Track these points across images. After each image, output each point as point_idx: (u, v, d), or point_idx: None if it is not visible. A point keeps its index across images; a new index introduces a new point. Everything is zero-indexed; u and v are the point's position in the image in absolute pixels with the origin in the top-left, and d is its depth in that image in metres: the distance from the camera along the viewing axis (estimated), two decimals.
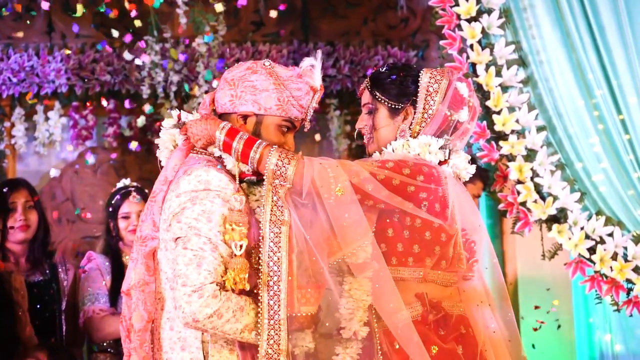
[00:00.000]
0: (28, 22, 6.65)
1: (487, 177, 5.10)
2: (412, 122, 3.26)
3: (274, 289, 2.97)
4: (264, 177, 3.07)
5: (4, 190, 4.79)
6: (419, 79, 3.30)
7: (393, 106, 3.30)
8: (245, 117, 3.17)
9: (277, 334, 2.96)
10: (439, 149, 3.22)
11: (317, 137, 7.06)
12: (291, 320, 2.99)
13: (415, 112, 3.26)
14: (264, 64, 3.20)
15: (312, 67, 3.21)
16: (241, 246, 2.98)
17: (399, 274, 3.12)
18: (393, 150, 3.24)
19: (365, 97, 3.39)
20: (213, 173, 3.02)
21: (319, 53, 3.23)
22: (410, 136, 3.26)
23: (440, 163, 3.22)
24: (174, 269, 2.99)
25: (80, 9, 5.75)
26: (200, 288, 2.89)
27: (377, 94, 3.33)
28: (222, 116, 3.22)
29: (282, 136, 3.20)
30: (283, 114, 3.16)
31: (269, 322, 2.96)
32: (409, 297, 3.13)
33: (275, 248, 2.98)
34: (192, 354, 3.06)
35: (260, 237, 3.01)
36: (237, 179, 3.08)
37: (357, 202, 3.01)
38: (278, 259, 2.98)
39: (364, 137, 3.39)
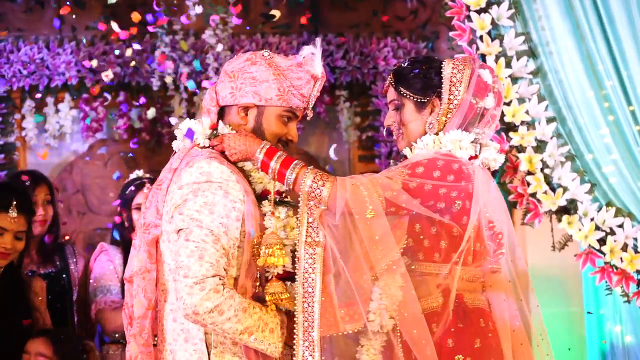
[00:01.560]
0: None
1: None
2: (438, 114, 3.27)
3: (308, 311, 3.01)
4: (284, 198, 3.15)
5: (27, 184, 4.79)
6: (442, 70, 3.31)
7: (419, 100, 3.32)
8: (246, 108, 3.19)
9: (311, 354, 3.00)
10: (470, 143, 3.22)
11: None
12: (337, 340, 3.07)
13: (441, 104, 3.27)
14: (263, 55, 3.21)
15: (313, 55, 3.23)
16: (277, 267, 3.04)
17: (425, 269, 3.15)
18: (424, 146, 3.23)
19: (391, 94, 3.41)
20: (215, 165, 3.03)
21: (318, 41, 3.27)
22: (437, 128, 3.26)
23: (471, 158, 3.23)
24: (176, 261, 3.00)
25: None
26: (202, 280, 2.90)
27: (402, 89, 3.34)
28: (224, 108, 3.24)
29: (284, 126, 3.22)
30: (284, 104, 3.18)
31: (303, 343, 3.00)
32: (431, 288, 3.15)
33: (310, 269, 3.03)
34: (195, 345, 3.07)
35: (296, 259, 3.04)
36: (273, 198, 3.12)
37: (387, 222, 3.03)
38: (312, 280, 3.02)
39: (393, 133, 3.40)
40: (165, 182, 3.14)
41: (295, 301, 3.02)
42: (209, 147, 3.18)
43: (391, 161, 3.49)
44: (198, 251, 2.94)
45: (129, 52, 6.43)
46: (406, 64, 3.40)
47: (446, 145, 3.21)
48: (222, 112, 3.27)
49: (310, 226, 3.05)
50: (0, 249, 4.10)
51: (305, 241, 3.04)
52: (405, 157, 3.32)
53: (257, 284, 3.09)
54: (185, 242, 2.97)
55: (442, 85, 3.28)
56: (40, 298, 4.41)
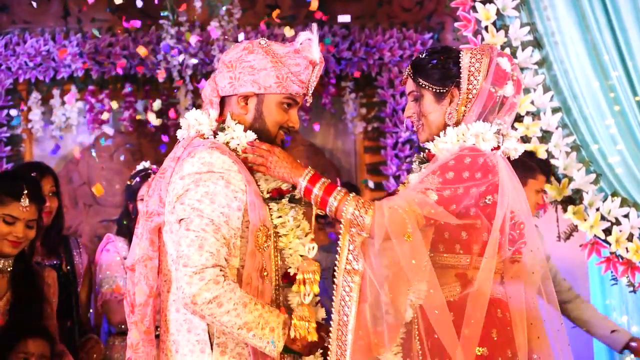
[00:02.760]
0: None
1: (549, 170, 5.02)
2: (458, 104, 3.27)
3: (342, 340, 3.03)
4: (295, 198, 3.18)
5: (33, 175, 4.79)
6: (460, 60, 3.29)
7: (438, 90, 3.30)
8: (246, 97, 3.19)
9: None
10: (493, 134, 3.22)
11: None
12: None
13: (460, 94, 3.26)
14: (260, 43, 3.21)
15: (310, 40, 3.21)
16: (309, 295, 3.03)
17: (445, 260, 3.15)
18: (449, 141, 3.23)
19: (409, 86, 3.39)
20: (216, 155, 3.03)
21: (315, 26, 3.24)
22: (457, 118, 3.26)
23: (493, 149, 3.22)
24: (177, 250, 3.01)
25: None
26: (201, 270, 2.91)
27: (421, 80, 3.33)
28: (224, 99, 3.24)
29: (284, 113, 3.22)
30: (283, 90, 3.18)
31: None
32: (449, 278, 3.14)
33: (347, 297, 3.04)
34: (198, 335, 3.07)
35: (334, 285, 3.06)
36: (314, 221, 3.15)
37: (423, 244, 3.03)
38: (348, 308, 3.04)
39: (414, 125, 3.39)
40: (169, 171, 3.15)
41: (330, 327, 3.04)
42: (246, 159, 3.17)
43: (415, 155, 3.46)
44: (198, 240, 2.95)
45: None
46: (424, 54, 3.38)
47: (470, 140, 3.20)
48: (222, 103, 3.27)
49: (351, 253, 3.06)
50: (12, 237, 4.10)
51: (345, 269, 3.05)
52: (429, 150, 3.30)
53: (265, 273, 3.09)
54: (186, 232, 2.97)
55: (461, 75, 3.27)
56: (52, 290, 4.41)
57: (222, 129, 3.19)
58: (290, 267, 3.16)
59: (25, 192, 4.10)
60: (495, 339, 3.13)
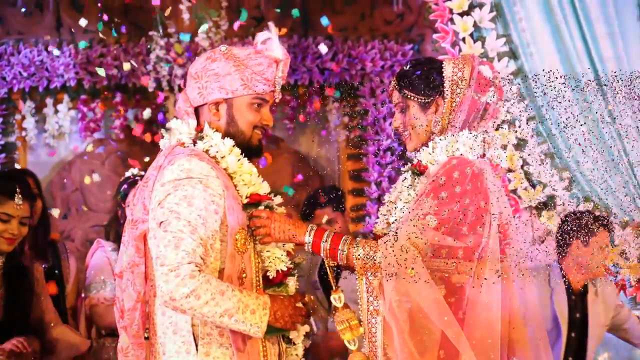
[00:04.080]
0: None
1: (608, 222, 4.91)
2: (442, 113, 3.32)
3: None
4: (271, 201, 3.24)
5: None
6: (443, 70, 3.34)
7: (423, 101, 3.34)
8: (216, 104, 3.25)
9: None
10: (480, 142, 3.30)
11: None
12: None
13: (444, 103, 3.32)
14: (221, 50, 3.26)
15: (270, 40, 3.27)
16: (354, 341, 3.12)
17: (432, 265, 3.15)
18: (440, 152, 3.30)
19: (395, 97, 3.43)
20: (195, 162, 3.09)
21: (272, 24, 3.30)
22: (442, 126, 3.33)
23: (479, 156, 3.29)
24: (156, 252, 3.07)
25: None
26: (177, 267, 2.95)
27: (406, 91, 3.37)
28: (196, 110, 3.31)
29: (256, 113, 3.28)
30: (250, 91, 3.24)
31: None
32: (435, 281, 3.16)
33: (374, 339, 3.15)
34: (184, 337, 3.12)
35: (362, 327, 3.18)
36: (333, 278, 3.23)
37: (427, 274, 3.07)
38: (375, 348, 3.14)
39: (401, 135, 3.45)
40: (151, 179, 3.20)
41: None
42: (250, 217, 3.24)
43: (405, 166, 3.53)
44: (175, 241, 3.00)
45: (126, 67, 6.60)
46: (408, 66, 3.43)
47: (458, 149, 3.27)
48: (198, 113, 3.34)
49: (371, 295, 3.16)
50: (7, 235, 4.15)
51: (368, 309, 3.16)
52: (419, 161, 3.35)
53: (244, 275, 3.17)
54: (164, 233, 3.03)
55: (444, 85, 3.32)
56: (42, 283, 4.45)
57: (201, 138, 3.24)
58: (268, 270, 3.23)
59: (18, 190, 4.20)
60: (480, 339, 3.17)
